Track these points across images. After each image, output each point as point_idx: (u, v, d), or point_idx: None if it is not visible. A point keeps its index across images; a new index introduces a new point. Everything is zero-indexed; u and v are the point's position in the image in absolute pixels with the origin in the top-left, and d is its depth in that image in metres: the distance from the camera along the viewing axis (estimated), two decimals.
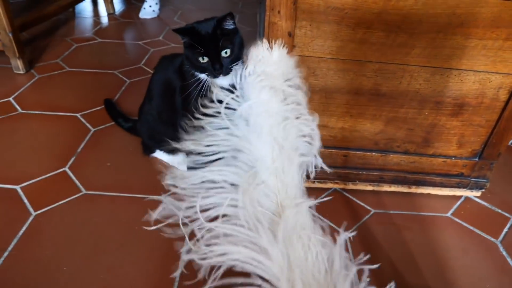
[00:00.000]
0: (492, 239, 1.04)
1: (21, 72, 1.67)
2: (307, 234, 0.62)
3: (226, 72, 0.90)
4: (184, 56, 0.95)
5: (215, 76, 0.90)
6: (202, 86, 0.94)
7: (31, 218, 0.98)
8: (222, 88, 0.95)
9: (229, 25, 0.90)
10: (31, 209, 1.01)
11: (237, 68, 0.92)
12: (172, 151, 1.18)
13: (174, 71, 1.04)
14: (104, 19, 2.40)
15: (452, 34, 0.88)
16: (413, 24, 0.86)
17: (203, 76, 0.94)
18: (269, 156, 0.73)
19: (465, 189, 1.15)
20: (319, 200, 0.70)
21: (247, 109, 0.78)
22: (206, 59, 0.88)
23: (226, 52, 0.89)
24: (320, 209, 1.07)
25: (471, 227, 1.07)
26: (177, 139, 1.04)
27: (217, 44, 0.88)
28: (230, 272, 0.64)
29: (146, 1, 2.46)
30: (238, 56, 0.92)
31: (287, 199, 0.69)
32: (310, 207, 0.68)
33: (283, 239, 0.60)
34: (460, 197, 1.17)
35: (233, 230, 0.65)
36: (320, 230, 0.66)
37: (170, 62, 1.07)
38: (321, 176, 1.11)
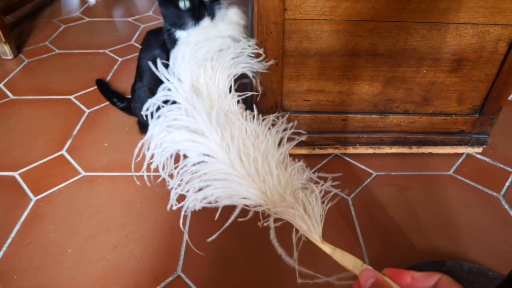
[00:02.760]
0: (495, 194, 1.04)
1: (9, 57, 1.63)
2: (238, 118, 0.70)
3: (211, 12, 0.86)
4: (162, 15, 0.90)
5: (200, 18, 0.85)
6: None
7: (31, 204, 0.98)
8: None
9: None
10: (31, 195, 1.01)
11: (219, 8, 0.88)
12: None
13: (159, 47, 1.01)
14: None
15: None
16: None
17: (184, 34, 0.90)
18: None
19: (466, 146, 1.14)
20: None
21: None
22: (187, 3, 0.84)
23: None
24: (321, 176, 1.07)
25: (473, 183, 1.07)
26: None
27: None
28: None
29: None
30: None
31: (218, 99, 0.79)
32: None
33: (217, 121, 0.65)
34: (461, 154, 1.16)
35: (175, 119, 0.73)
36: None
37: (155, 38, 1.04)
38: (321, 142, 1.10)
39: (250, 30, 0.95)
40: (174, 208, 0.66)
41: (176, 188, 0.65)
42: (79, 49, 1.72)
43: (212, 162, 0.61)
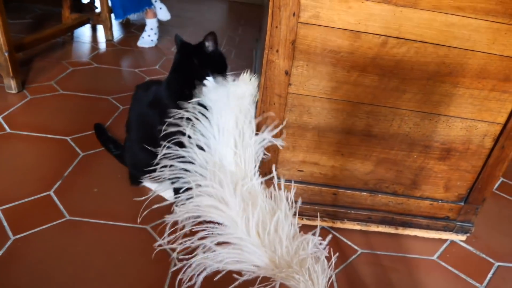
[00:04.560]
0: (477, 284, 1.04)
1: (13, 91, 1.66)
2: (261, 198, 0.77)
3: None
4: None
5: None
6: None
7: (9, 243, 0.95)
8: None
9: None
10: (10, 233, 0.98)
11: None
12: (158, 180, 1.17)
13: (148, 105, 1.05)
14: (102, 45, 2.43)
15: (441, 82, 0.91)
16: (405, 70, 0.89)
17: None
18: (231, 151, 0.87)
19: (450, 232, 1.16)
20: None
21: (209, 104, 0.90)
22: None
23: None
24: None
25: (457, 271, 1.07)
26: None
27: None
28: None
29: (145, 31, 2.50)
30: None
31: (244, 177, 0.85)
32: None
33: (241, 195, 0.72)
34: (445, 240, 1.18)
35: (203, 185, 0.79)
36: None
37: (144, 94, 1.08)
38: (310, 213, 1.11)
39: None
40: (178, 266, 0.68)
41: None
42: (83, 92, 1.76)
43: (229, 226, 0.65)
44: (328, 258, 0.65)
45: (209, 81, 0.95)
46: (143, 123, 1.07)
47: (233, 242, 0.65)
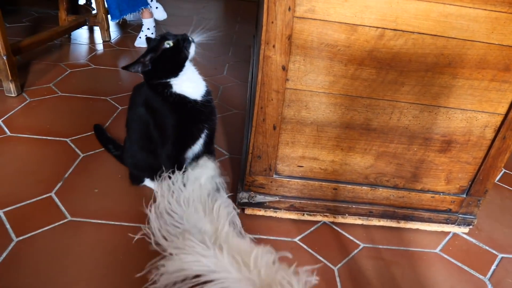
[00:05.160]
0: (481, 277, 1.03)
1: (13, 95, 1.66)
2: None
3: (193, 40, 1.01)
4: (149, 75, 1.00)
5: (189, 46, 0.98)
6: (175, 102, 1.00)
7: (12, 244, 0.95)
8: (196, 102, 1.02)
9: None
10: (13, 235, 0.98)
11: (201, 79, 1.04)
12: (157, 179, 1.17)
13: (141, 104, 1.06)
14: (100, 46, 2.43)
15: (440, 74, 0.91)
16: (402, 62, 0.89)
17: (175, 83, 0.99)
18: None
19: (453, 225, 1.15)
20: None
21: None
22: (171, 42, 0.95)
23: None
24: (309, 242, 1.07)
25: (460, 264, 1.07)
26: (159, 166, 1.07)
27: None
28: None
29: (142, 31, 2.50)
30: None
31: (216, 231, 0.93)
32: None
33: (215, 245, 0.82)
34: (448, 233, 1.17)
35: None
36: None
37: (138, 94, 1.09)
38: (310, 208, 1.11)
39: (249, 96, 0.99)
40: None
41: None
42: (82, 94, 1.76)
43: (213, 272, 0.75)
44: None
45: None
46: (139, 123, 1.08)
47: (219, 282, 0.71)
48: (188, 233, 0.88)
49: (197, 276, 0.77)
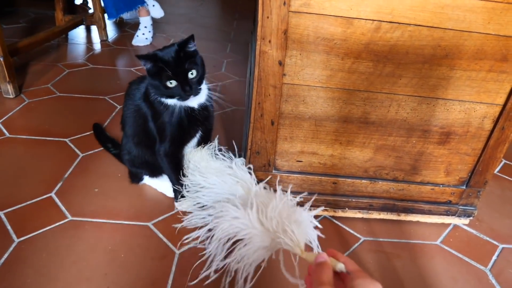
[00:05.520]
0: (481, 267, 1.04)
1: (11, 96, 1.66)
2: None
3: (196, 92, 0.95)
4: (149, 85, 0.97)
5: (186, 98, 0.94)
6: (173, 113, 0.97)
7: (13, 245, 0.96)
8: (193, 110, 0.98)
9: (191, 47, 0.94)
10: (14, 236, 0.98)
11: (203, 88, 0.98)
12: (156, 175, 1.17)
13: (140, 98, 1.05)
14: (97, 46, 2.43)
15: (438, 65, 0.91)
16: (399, 55, 0.89)
17: (172, 101, 0.95)
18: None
19: (453, 216, 1.16)
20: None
21: None
22: (174, 83, 0.91)
23: (192, 73, 0.93)
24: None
25: (460, 255, 1.07)
26: (156, 163, 1.07)
27: (183, 67, 0.91)
28: None
29: (139, 29, 2.50)
30: (203, 75, 0.97)
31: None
32: None
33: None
34: (448, 224, 1.17)
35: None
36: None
37: (137, 88, 1.08)
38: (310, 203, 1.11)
39: (248, 92, 0.99)
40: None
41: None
42: (80, 94, 1.76)
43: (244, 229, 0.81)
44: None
45: None
46: (137, 117, 1.07)
47: (245, 238, 0.78)
48: (224, 201, 0.94)
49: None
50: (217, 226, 0.87)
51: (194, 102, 1.00)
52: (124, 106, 1.11)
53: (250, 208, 0.79)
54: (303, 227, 0.71)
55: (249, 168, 1.04)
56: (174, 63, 0.90)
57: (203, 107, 1.03)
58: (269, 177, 1.07)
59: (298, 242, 0.66)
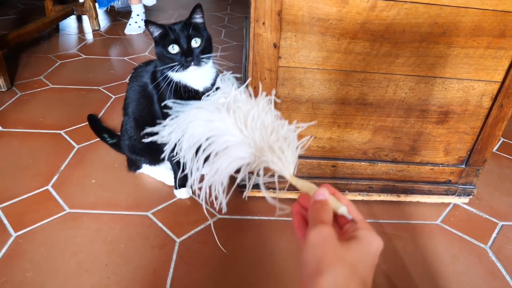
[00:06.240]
0: (482, 245, 1.04)
1: (3, 89, 1.64)
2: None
3: (197, 61, 0.92)
4: (156, 53, 0.96)
5: (187, 66, 0.91)
6: (176, 92, 0.96)
7: (11, 240, 0.95)
8: (197, 92, 0.95)
9: (198, 17, 0.92)
10: (11, 230, 0.97)
11: (207, 62, 0.95)
12: (156, 162, 1.16)
13: (148, 77, 1.04)
14: (89, 36, 2.39)
15: (435, 43, 0.89)
16: (396, 33, 0.87)
17: (177, 77, 0.94)
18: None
19: (453, 196, 1.15)
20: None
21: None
22: (176, 48, 0.90)
23: (196, 41, 0.91)
24: None
25: (461, 234, 1.07)
26: (158, 147, 1.05)
27: (188, 33, 0.90)
28: None
29: (132, 17, 2.45)
30: (208, 49, 0.94)
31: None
32: None
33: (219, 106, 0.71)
34: (448, 204, 1.17)
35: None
36: None
37: (144, 69, 1.07)
38: None
39: (244, 79, 0.97)
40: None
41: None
42: (74, 85, 1.73)
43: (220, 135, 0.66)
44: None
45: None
46: (142, 98, 1.06)
47: (222, 148, 0.65)
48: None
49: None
50: (187, 131, 0.74)
51: (199, 83, 0.97)
52: (128, 90, 1.09)
53: (227, 112, 0.67)
54: (293, 146, 0.59)
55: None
56: (179, 30, 0.91)
57: (208, 91, 1.00)
58: None
59: (288, 163, 0.56)
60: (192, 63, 0.91)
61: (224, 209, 0.61)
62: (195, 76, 0.95)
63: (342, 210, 0.45)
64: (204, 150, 0.66)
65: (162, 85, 0.98)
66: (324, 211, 0.43)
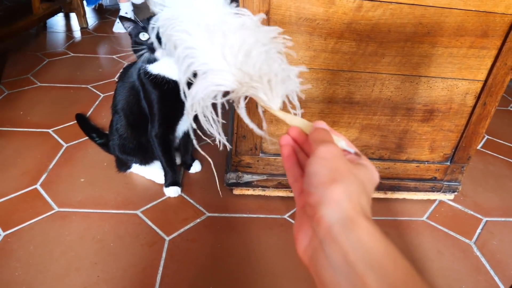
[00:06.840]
0: (466, 241, 1.06)
1: None
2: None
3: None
4: (131, 46, 1.01)
5: (153, 49, 0.96)
6: (157, 84, 1.00)
7: None
8: (176, 83, 0.98)
9: None
10: None
11: None
12: (147, 162, 1.16)
13: (136, 75, 1.06)
14: (77, 34, 2.37)
15: (420, 43, 0.91)
16: (382, 33, 0.88)
17: (156, 70, 0.99)
18: None
19: (438, 192, 1.18)
20: None
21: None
22: (146, 36, 0.95)
23: None
24: None
25: (446, 230, 1.09)
26: (149, 146, 1.06)
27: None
28: None
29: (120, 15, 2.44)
30: None
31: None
32: None
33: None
34: (434, 200, 1.20)
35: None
36: None
37: (133, 67, 1.09)
38: None
39: None
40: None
41: None
42: (62, 83, 1.72)
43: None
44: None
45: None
46: (131, 96, 1.08)
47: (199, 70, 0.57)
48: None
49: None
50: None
51: (175, 73, 0.99)
52: (116, 89, 1.11)
53: (210, 33, 0.57)
54: (282, 77, 0.54)
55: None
56: (148, 20, 0.96)
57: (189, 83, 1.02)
58: (257, 160, 1.07)
59: (276, 94, 0.50)
60: (161, 48, 0.95)
61: (228, 146, 0.55)
62: (171, 65, 0.97)
63: (342, 144, 0.43)
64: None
65: (144, 80, 1.01)
66: (329, 135, 0.41)
